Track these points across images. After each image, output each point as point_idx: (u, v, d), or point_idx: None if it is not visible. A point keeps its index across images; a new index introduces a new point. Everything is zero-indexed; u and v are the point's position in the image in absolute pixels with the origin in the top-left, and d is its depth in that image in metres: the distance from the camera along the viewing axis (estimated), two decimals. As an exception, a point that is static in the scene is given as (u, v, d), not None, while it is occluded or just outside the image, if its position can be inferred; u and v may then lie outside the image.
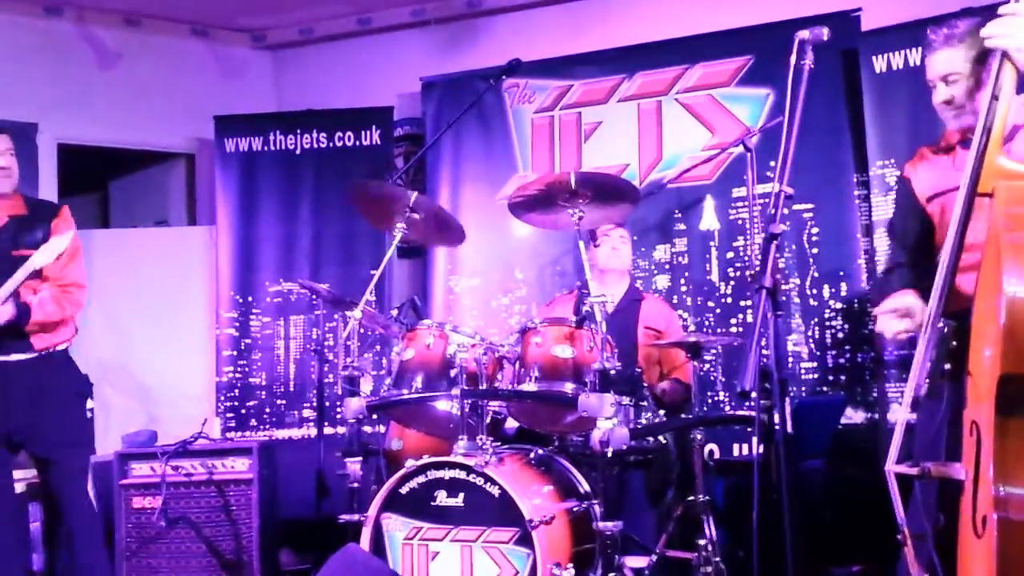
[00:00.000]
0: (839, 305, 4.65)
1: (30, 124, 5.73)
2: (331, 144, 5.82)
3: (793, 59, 2.42)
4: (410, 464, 3.28)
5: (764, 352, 2.19)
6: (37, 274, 3.80)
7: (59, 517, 3.92)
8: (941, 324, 2.39)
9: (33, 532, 4.73)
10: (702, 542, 3.44)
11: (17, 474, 4.24)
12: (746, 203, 4.67)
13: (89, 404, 4.04)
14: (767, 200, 4.68)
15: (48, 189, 5.81)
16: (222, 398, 5.70)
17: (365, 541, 3.26)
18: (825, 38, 2.43)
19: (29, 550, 4.65)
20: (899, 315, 2.56)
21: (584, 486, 3.47)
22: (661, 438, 3.72)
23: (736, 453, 4.62)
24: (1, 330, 3.72)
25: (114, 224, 6.81)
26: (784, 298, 4.69)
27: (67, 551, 3.94)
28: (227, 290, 5.76)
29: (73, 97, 5.92)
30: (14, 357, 3.77)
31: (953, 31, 2.63)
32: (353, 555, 3.10)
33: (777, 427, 2.21)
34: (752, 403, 2.23)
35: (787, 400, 2.14)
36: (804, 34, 2.45)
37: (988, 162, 2.26)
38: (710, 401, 4.78)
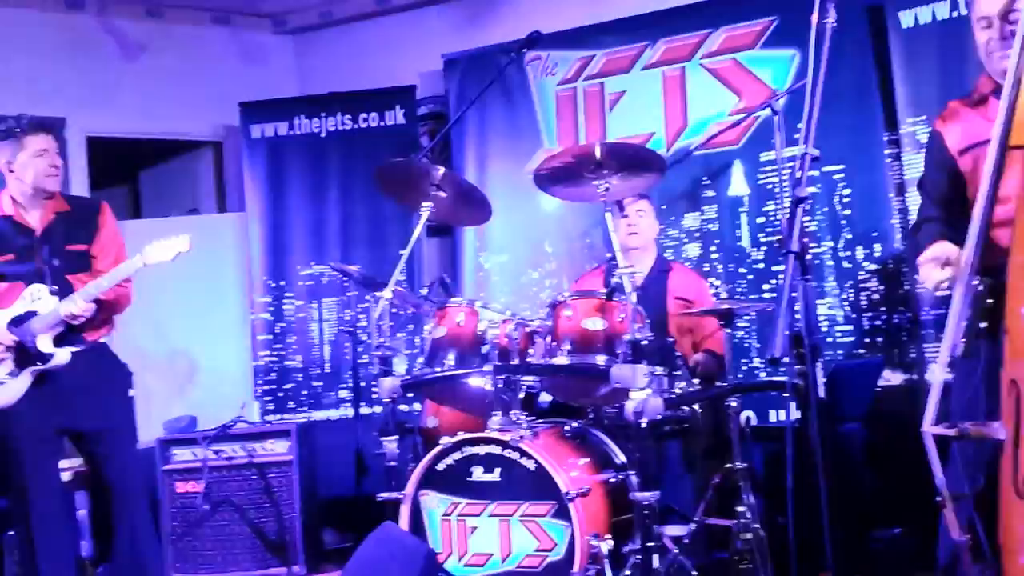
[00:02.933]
0: (873, 266, 4.59)
1: (58, 119, 5.78)
2: (356, 126, 5.84)
3: (815, 17, 2.37)
4: (445, 441, 3.29)
5: (796, 316, 2.17)
6: (86, 267, 3.86)
7: (112, 505, 3.97)
8: (976, 281, 2.35)
9: (81, 520, 4.83)
10: (741, 509, 3.44)
11: (64, 463, 4.32)
12: (775, 167, 4.61)
13: (130, 392, 4.10)
14: (795, 163, 4.66)
15: (79, 182, 5.88)
16: (259, 382, 5.77)
17: (404, 518, 3.29)
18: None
19: (78, 537, 4.75)
20: (940, 263, 2.50)
21: (620, 457, 3.47)
22: (696, 407, 3.70)
23: (773, 419, 4.60)
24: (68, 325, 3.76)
25: (145, 214, 6.88)
26: (817, 261, 4.65)
27: (122, 538, 3.97)
28: (260, 275, 5.81)
29: (99, 90, 5.98)
30: (70, 350, 3.82)
31: None
32: (389, 533, 3.13)
33: (814, 395, 2.20)
34: (785, 368, 2.21)
35: (819, 364, 2.12)
36: (821, -11, 2.41)
37: (1020, 114, 2.21)
38: (745, 368, 4.76)
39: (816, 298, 4.65)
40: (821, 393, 2.11)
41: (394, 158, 4.34)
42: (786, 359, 2.04)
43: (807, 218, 4.60)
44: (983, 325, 2.40)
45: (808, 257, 2.18)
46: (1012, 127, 2.20)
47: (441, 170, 3.64)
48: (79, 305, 3.69)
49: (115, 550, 4.07)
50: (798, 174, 2.27)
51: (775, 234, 4.73)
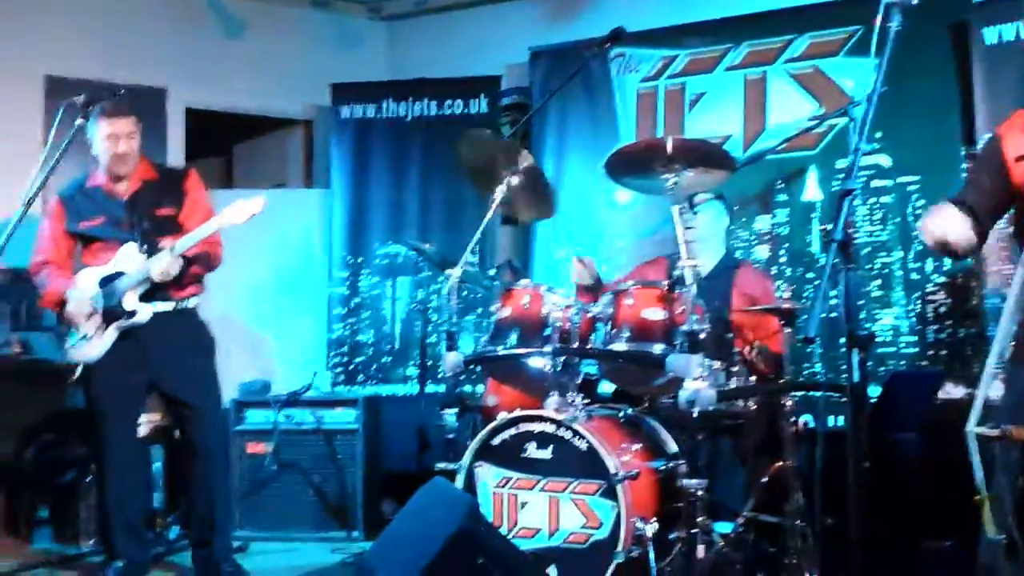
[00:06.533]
0: (942, 279, 4.59)
1: (160, 89, 6.05)
2: (440, 112, 5.98)
3: (878, 21, 2.43)
4: (503, 416, 3.41)
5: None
6: (176, 228, 4.00)
7: (191, 462, 4.10)
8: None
9: (155, 472, 5.06)
10: (790, 508, 3.49)
11: (143, 418, 4.52)
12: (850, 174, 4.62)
13: (214, 356, 4.24)
14: (871, 171, 4.68)
15: (176, 151, 6.13)
16: (332, 353, 5.94)
17: (458, 488, 3.41)
18: (913, 2, 2.43)
19: (151, 489, 4.98)
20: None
21: (672, 446, 3.55)
22: (752, 404, 3.75)
23: (832, 424, 4.61)
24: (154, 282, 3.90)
25: (237, 185, 7.13)
26: (886, 271, 4.66)
27: (198, 494, 4.13)
28: (339, 250, 5.99)
29: (201, 64, 6.22)
30: (160, 307, 3.98)
31: None
32: (436, 484, 3.26)
33: (869, 400, 2.26)
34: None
35: (858, 354, 2.18)
36: (893, -2, 2.46)
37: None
38: (805, 373, 4.78)
39: (882, 307, 4.67)
40: (856, 377, 2.16)
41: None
42: (817, 338, 2.11)
43: (880, 227, 4.63)
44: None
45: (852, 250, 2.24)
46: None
47: (524, 153, 3.73)
48: (166, 260, 3.83)
49: (190, 505, 4.25)
50: (850, 166, 2.32)
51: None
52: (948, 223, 2.64)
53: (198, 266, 4.04)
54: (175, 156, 6.07)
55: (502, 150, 3.78)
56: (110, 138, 3.98)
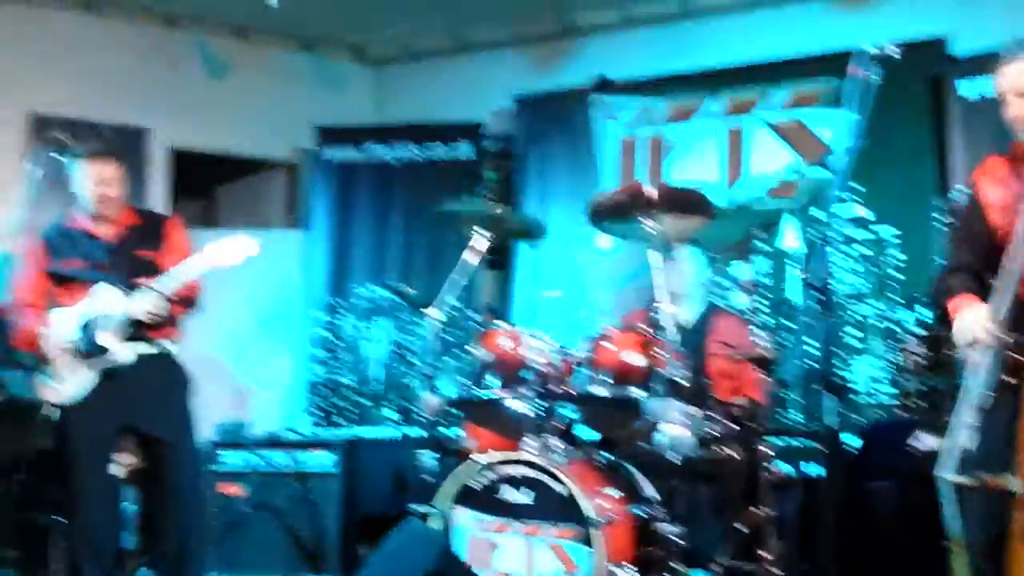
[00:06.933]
0: (919, 330, 4.62)
1: (145, 129, 6.07)
2: (424, 156, 6.03)
3: (858, 71, 2.48)
4: (479, 459, 3.39)
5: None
6: (155, 271, 3.93)
7: (164, 503, 4.05)
8: (1006, 337, 2.42)
9: (126, 513, 4.98)
10: (766, 555, 3.47)
11: (117, 458, 4.46)
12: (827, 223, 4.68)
13: (191, 398, 4.19)
14: (849, 221, 4.73)
15: (159, 191, 6.14)
16: (311, 395, 5.92)
17: (432, 528, 3.38)
18: (894, 55, 2.48)
19: (121, 530, 4.89)
20: (977, 328, 2.58)
21: (650, 492, 3.53)
22: (730, 451, 3.75)
23: (811, 473, 4.62)
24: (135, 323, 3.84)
25: (220, 226, 7.12)
26: (862, 320, 4.69)
27: (171, 536, 4.05)
28: (320, 292, 6.00)
29: (186, 105, 6.24)
30: (138, 348, 3.92)
31: None
32: (410, 525, 3.24)
33: (845, 447, 2.27)
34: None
35: (834, 397, 2.20)
36: (871, 49, 2.52)
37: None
38: (782, 420, 4.79)
39: (857, 354, 4.70)
40: (848, 441, 2.17)
41: (458, 190, 4.48)
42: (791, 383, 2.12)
43: (857, 277, 4.67)
44: (1009, 379, 2.46)
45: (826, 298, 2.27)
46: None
47: (498, 207, 3.78)
48: (151, 298, 3.79)
49: (162, 547, 4.17)
50: (827, 214, 2.36)
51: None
52: (979, 319, 2.62)
53: (179, 307, 4.03)
54: (158, 196, 6.07)
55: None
56: (94, 181, 3.96)
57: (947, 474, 2.35)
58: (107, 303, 3.90)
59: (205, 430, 4.98)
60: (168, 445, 4.02)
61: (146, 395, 3.97)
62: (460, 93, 6.32)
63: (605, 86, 4.48)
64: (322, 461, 5.09)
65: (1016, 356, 2.45)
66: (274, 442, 5.10)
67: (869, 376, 4.68)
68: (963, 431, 2.40)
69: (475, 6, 6.01)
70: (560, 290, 5.56)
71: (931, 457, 4.40)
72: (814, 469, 4.55)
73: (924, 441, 4.41)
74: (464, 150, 5.99)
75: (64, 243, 4.05)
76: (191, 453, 4.18)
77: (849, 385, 4.62)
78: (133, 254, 4.01)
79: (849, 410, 4.52)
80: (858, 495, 3.88)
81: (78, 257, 4.02)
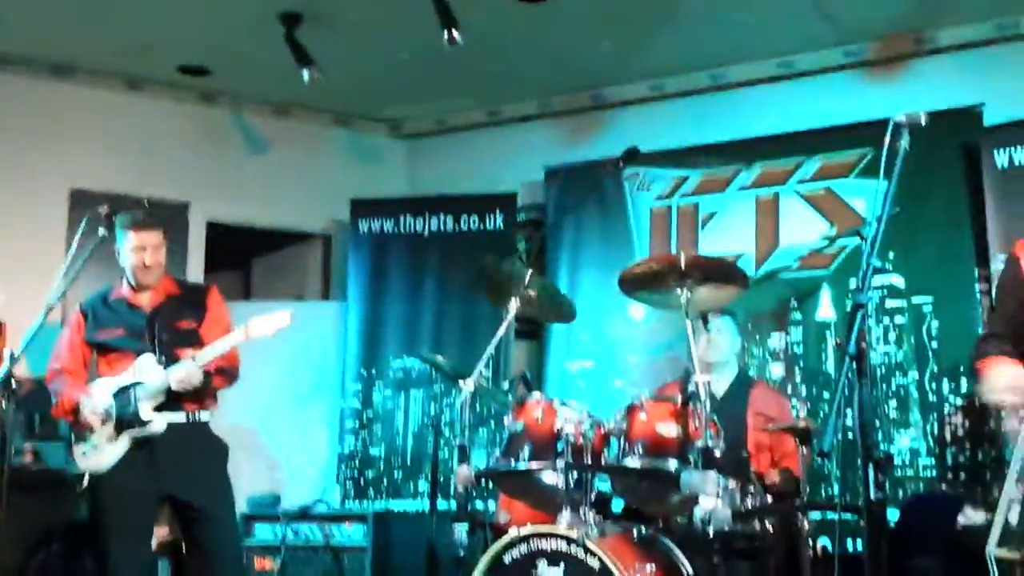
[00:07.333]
0: (959, 401, 4.55)
1: (183, 203, 6.18)
2: (457, 228, 6.07)
3: (887, 140, 2.48)
4: (513, 533, 3.35)
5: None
6: (196, 341, 4.00)
7: (207, 567, 4.00)
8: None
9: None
10: (807, 633, 3.39)
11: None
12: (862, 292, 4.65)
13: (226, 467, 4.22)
14: (883, 290, 4.70)
15: (197, 263, 6.22)
16: (343, 467, 5.89)
17: (467, 605, 3.33)
18: (922, 123, 2.48)
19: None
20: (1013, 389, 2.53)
21: (687, 568, 3.46)
22: (769, 527, 3.68)
23: (850, 548, 4.52)
24: (171, 393, 3.89)
25: (254, 298, 7.19)
26: (902, 392, 4.63)
27: None
28: (353, 363, 6.01)
29: (224, 179, 6.36)
30: (173, 418, 3.95)
31: None
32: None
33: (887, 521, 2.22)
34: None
35: (873, 470, 2.16)
36: (900, 118, 2.52)
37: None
38: (824, 494, 4.70)
39: (899, 428, 4.62)
40: (873, 494, 2.12)
41: (491, 261, 4.49)
42: (831, 454, 2.09)
43: (894, 347, 4.62)
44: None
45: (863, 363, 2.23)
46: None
47: (529, 272, 3.80)
48: (186, 368, 3.84)
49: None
50: (861, 282, 2.34)
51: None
52: (1012, 375, 2.58)
53: (220, 379, 4.05)
54: (196, 267, 6.15)
55: (509, 273, 3.85)
56: (137, 249, 4.03)
57: (992, 548, 2.28)
58: (147, 373, 3.95)
59: (238, 502, 4.98)
60: (208, 514, 4.01)
61: (184, 464, 3.97)
62: (492, 165, 6.39)
63: (637, 156, 4.49)
64: (353, 534, 5.07)
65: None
66: (305, 515, 5.07)
67: (907, 447, 4.59)
68: (1007, 504, 2.33)
69: (507, 81, 6.11)
70: (592, 360, 5.55)
71: (976, 533, 4.34)
72: (856, 544, 4.46)
73: (969, 516, 4.31)
74: (497, 221, 6.03)
75: (105, 312, 4.10)
76: (232, 524, 4.16)
77: (891, 457, 4.54)
78: (174, 324, 4.06)
79: (891, 484, 4.43)
80: (901, 572, 3.78)
81: (119, 326, 4.07)
